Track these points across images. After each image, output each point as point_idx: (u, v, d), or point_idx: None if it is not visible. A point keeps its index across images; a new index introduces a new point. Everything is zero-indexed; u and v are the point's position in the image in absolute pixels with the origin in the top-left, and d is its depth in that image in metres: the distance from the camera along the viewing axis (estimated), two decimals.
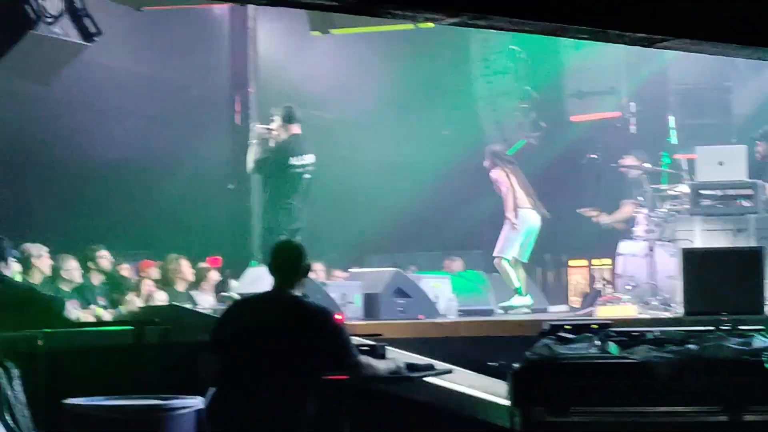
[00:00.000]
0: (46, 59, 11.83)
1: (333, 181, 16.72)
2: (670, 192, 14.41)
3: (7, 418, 7.34)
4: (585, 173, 15.75)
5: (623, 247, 14.57)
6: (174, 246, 16.47)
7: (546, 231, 16.45)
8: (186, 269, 15.55)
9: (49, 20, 11.40)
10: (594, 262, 19.30)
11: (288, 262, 7.79)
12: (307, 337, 7.53)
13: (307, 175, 13.29)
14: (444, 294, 14.83)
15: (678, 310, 12.45)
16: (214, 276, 15.95)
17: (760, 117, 17.94)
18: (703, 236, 12.75)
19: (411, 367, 8.55)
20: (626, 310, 13.11)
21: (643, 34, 4.94)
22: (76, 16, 11.82)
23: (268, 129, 13.52)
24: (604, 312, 12.81)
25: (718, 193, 12.90)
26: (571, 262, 20.58)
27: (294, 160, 13.26)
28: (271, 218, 13.31)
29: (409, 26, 12.31)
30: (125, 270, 15.81)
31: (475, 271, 17.55)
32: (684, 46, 5.37)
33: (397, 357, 8.66)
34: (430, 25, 12.28)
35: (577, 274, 20.36)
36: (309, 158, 13.34)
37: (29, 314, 9.31)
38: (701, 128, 17.42)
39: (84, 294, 14.01)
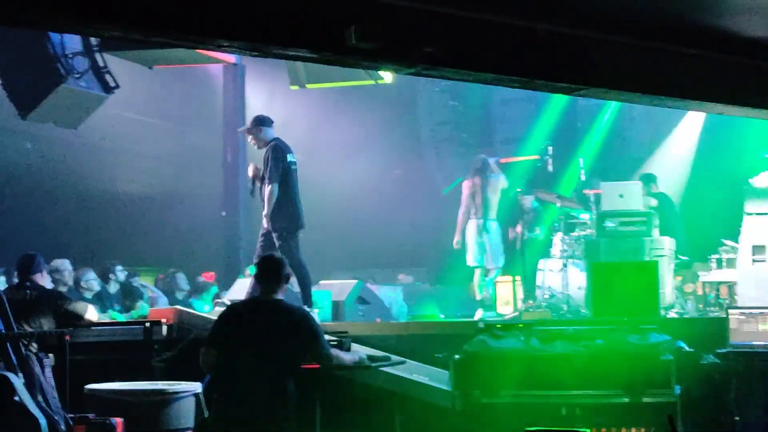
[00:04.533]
0: (74, 108, 11.89)
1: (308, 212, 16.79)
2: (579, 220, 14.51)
3: (40, 399, 7.27)
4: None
5: (542, 263, 14.56)
6: (174, 263, 16.41)
7: None
8: (182, 281, 15.50)
9: (77, 75, 11.44)
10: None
11: (272, 273, 7.76)
12: (289, 332, 7.51)
13: None
14: (397, 301, 14.85)
15: (584, 313, 12.57)
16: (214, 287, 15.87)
17: (653, 160, 18.12)
18: (607, 255, 12.74)
19: (371, 358, 8.56)
20: (543, 314, 13.12)
21: (564, 84, 4.99)
22: (99, 72, 11.87)
23: None
24: (526, 316, 12.82)
25: (619, 219, 12.91)
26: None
27: None
28: None
29: (370, 82, 12.32)
30: (136, 282, 15.71)
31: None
32: (597, 94, 5.41)
33: (360, 350, 8.65)
34: (385, 81, 12.37)
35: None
36: None
37: (60, 315, 9.23)
38: (604, 169, 17.52)
39: (102, 300, 13.90)
